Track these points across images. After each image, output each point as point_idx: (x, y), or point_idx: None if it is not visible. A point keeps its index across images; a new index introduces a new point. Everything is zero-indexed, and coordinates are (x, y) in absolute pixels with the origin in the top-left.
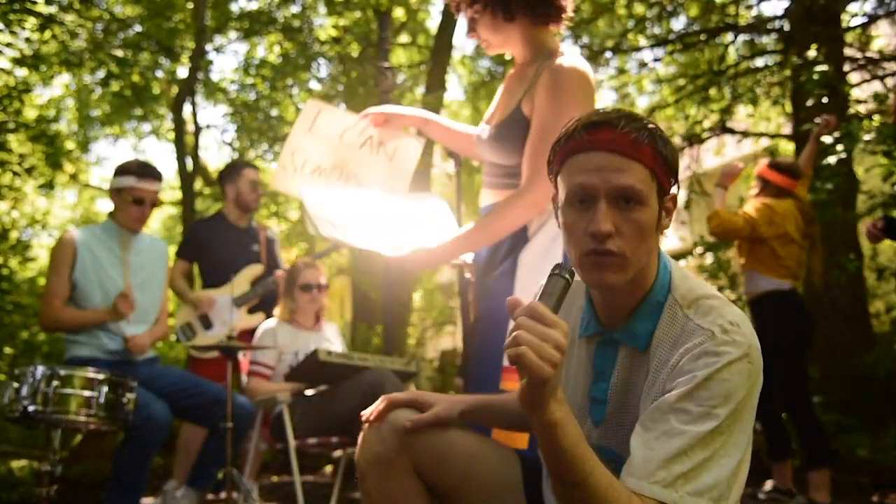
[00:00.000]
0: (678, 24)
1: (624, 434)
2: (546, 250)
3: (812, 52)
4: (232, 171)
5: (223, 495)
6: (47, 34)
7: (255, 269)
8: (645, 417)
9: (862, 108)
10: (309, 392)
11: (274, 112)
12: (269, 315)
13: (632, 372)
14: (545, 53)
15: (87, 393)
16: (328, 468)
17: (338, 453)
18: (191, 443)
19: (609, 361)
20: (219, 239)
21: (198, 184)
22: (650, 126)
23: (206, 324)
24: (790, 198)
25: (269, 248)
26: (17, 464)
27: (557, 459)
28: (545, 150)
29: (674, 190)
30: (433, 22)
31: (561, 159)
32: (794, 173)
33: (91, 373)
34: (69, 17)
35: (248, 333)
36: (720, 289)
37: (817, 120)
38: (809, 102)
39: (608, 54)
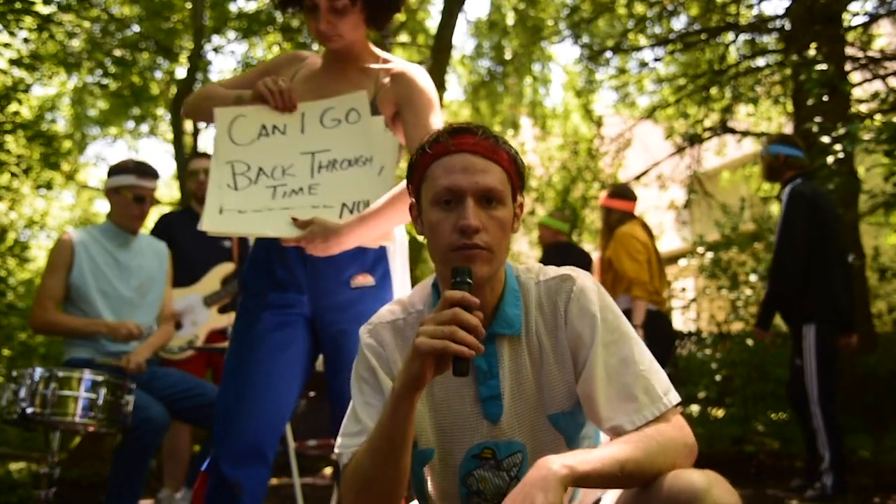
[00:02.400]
0: (679, 23)
1: (519, 424)
2: (405, 258)
3: (813, 52)
4: (189, 163)
5: None
6: (45, 34)
7: (225, 268)
8: (599, 374)
9: (863, 108)
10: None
11: None
12: None
13: (516, 360)
14: (379, 57)
15: (85, 394)
16: (327, 470)
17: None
18: (178, 445)
19: (492, 358)
20: (186, 235)
21: None
22: (503, 139)
23: (176, 324)
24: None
25: (242, 244)
26: (15, 466)
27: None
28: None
29: (520, 198)
30: (433, 21)
31: (425, 165)
32: (632, 196)
33: (89, 375)
34: (67, 17)
35: (219, 333)
36: (719, 289)
37: None
38: (810, 102)
39: (608, 54)
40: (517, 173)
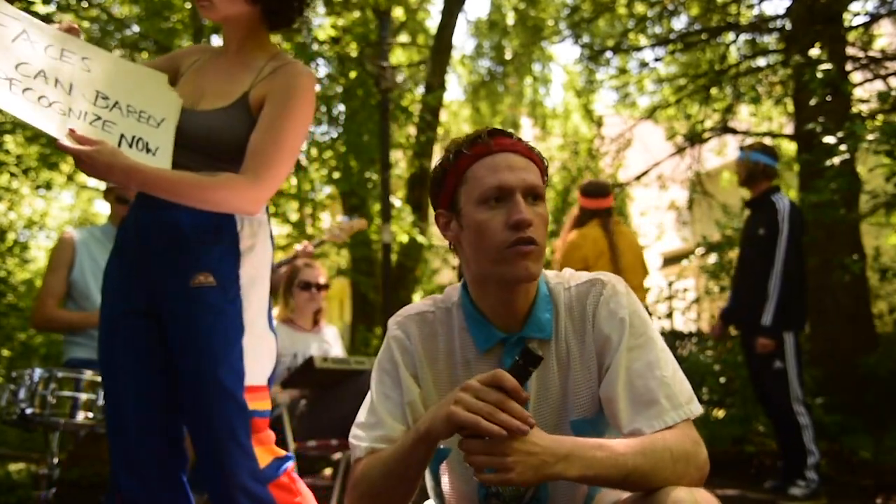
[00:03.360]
0: (679, 23)
1: (548, 427)
2: (263, 265)
3: (814, 52)
4: None
5: None
6: None
7: None
8: (621, 378)
9: (865, 108)
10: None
11: None
12: None
13: (544, 364)
14: (272, 51)
15: (85, 395)
16: (327, 471)
17: (337, 456)
18: None
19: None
20: None
21: None
22: (526, 143)
23: None
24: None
25: None
26: (14, 467)
27: (622, 470)
28: (278, 150)
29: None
30: (433, 21)
31: (463, 167)
32: (595, 193)
33: (89, 375)
34: (66, 17)
35: None
36: (722, 289)
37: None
38: (812, 102)
39: (609, 54)
40: (545, 175)
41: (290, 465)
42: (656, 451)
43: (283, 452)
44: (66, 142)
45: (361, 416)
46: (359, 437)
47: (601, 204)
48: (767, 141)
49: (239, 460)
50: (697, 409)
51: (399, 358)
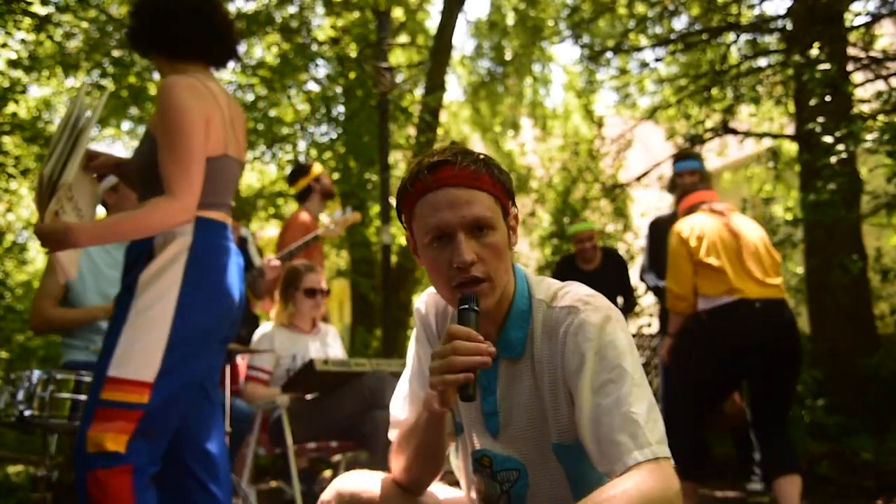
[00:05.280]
0: (679, 23)
1: (517, 444)
2: (163, 269)
3: (815, 52)
4: None
5: None
6: (43, 35)
7: None
8: (585, 415)
9: (865, 108)
10: (308, 396)
11: (272, 113)
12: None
13: (513, 382)
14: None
15: (83, 397)
16: (327, 472)
17: (336, 457)
18: None
19: (492, 375)
20: None
21: None
22: (482, 157)
23: None
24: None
25: (242, 248)
26: (13, 469)
27: None
28: (175, 162)
29: (513, 210)
30: (432, 22)
31: (411, 204)
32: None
33: (88, 377)
34: (65, 18)
35: None
36: None
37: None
38: (812, 102)
39: (609, 54)
40: (504, 191)
41: (122, 466)
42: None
43: (122, 450)
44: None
45: (397, 387)
46: (393, 408)
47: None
48: (769, 142)
49: (77, 441)
50: (665, 453)
51: (420, 330)
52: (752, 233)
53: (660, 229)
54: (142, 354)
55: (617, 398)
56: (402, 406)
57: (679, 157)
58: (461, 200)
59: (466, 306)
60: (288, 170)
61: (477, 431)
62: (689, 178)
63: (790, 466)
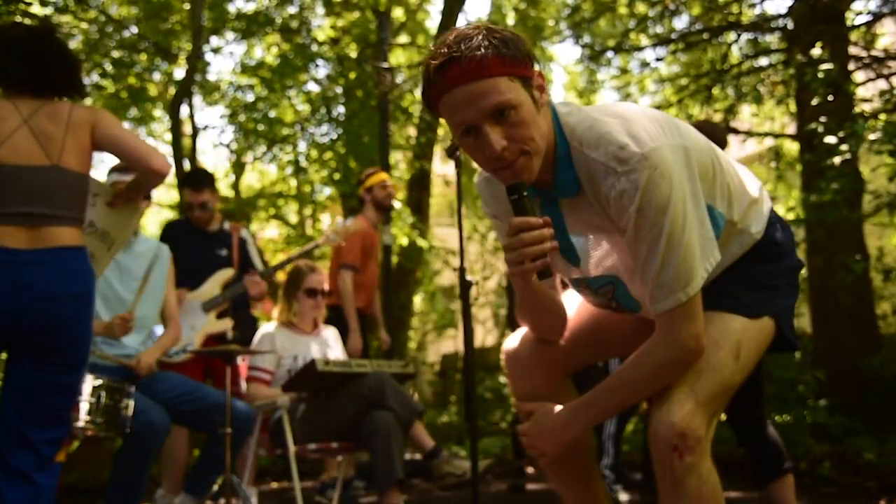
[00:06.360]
0: (680, 23)
1: (601, 265)
2: None
3: (816, 51)
4: (179, 185)
5: (222, 502)
6: None
7: (225, 273)
8: (634, 261)
9: (867, 107)
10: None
11: (272, 113)
12: (237, 320)
13: (577, 218)
14: None
15: (83, 399)
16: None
17: (338, 459)
18: (175, 450)
19: (556, 215)
20: (188, 243)
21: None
22: (486, 37)
23: None
24: None
25: (242, 250)
26: None
27: (609, 408)
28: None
29: (535, 71)
30: (433, 22)
31: (435, 104)
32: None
33: (88, 379)
34: (65, 19)
35: (215, 339)
36: None
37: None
38: (814, 101)
39: (610, 54)
40: (516, 63)
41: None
42: (637, 377)
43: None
44: None
45: None
46: None
47: None
48: (770, 141)
49: None
50: (693, 290)
51: (489, 212)
52: None
53: None
54: None
55: (655, 252)
56: None
57: None
58: (475, 94)
59: (516, 196)
60: (288, 170)
61: (562, 267)
62: None
63: (777, 468)
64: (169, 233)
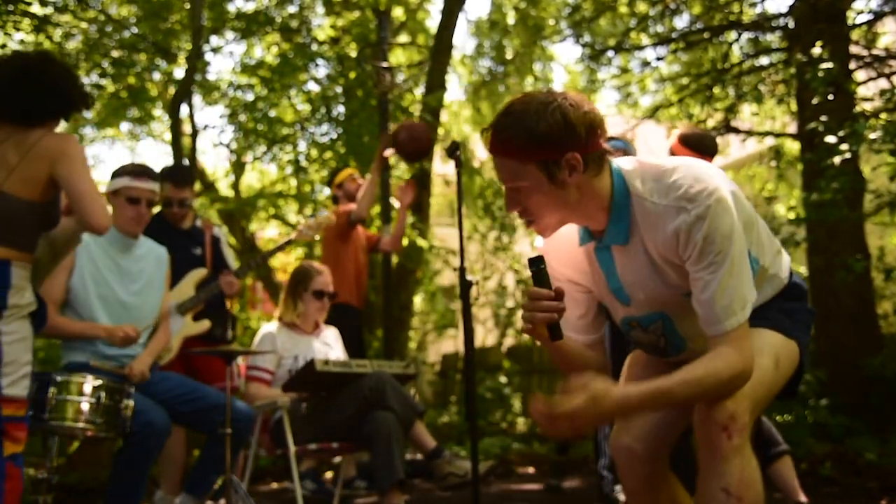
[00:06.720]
0: (681, 22)
1: (649, 303)
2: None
3: (817, 50)
4: (167, 178)
5: (222, 502)
6: (42, 36)
7: (198, 273)
8: (694, 289)
9: (868, 106)
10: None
11: (272, 113)
12: (215, 322)
13: (628, 261)
14: None
15: (84, 399)
16: (328, 474)
17: (337, 459)
18: (173, 450)
19: (608, 260)
20: (160, 242)
21: (195, 186)
22: (515, 122)
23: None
24: None
25: (215, 249)
26: None
27: (663, 402)
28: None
29: (563, 155)
30: (433, 21)
31: None
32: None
33: (88, 379)
34: (64, 19)
35: (195, 341)
36: None
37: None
38: (815, 101)
39: (610, 53)
40: (539, 148)
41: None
42: (706, 381)
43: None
44: None
45: None
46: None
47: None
48: (771, 140)
49: None
50: (747, 314)
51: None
52: None
53: None
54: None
55: (717, 277)
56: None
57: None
58: (497, 166)
59: (534, 268)
60: (288, 170)
61: (613, 306)
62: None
63: (772, 450)
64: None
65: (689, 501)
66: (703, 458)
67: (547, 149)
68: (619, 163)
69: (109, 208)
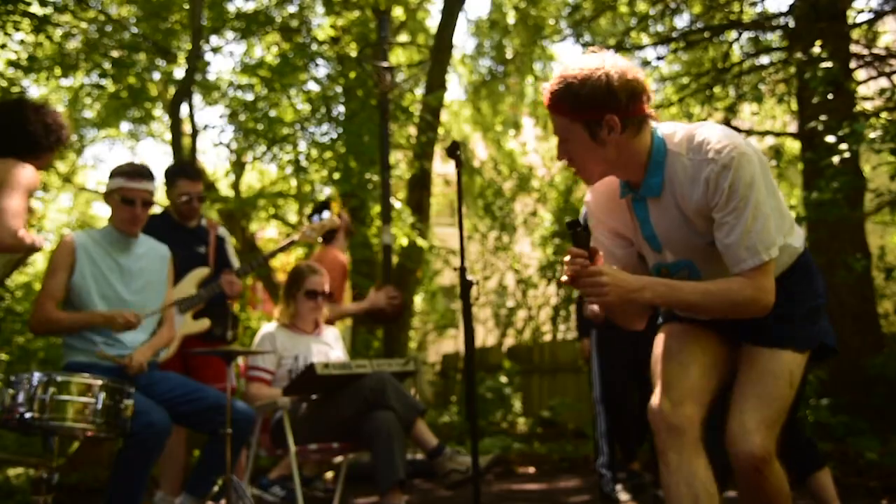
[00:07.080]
0: (681, 21)
1: (679, 251)
2: None
3: (817, 49)
4: (169, 177)
5: (223, 502)
6: (42, 36)
7: (201, 272)
8: (720, 233)
9: (868, 106)
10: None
11: (272, 113)
12: (215, 321)
13: (661, 212)
14: None
15: (84, 399)
16: (329, 474)
17: (338, 459)
18: (174, 450)
19: (643, 211)
20: (163, 240)
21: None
22: (568, 83)
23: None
24: None
25: (220, 248)
26: (13, 471)
27: (675, 298)
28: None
29: (605, 117)
30: (433, 21)
31: None
32: None
33: (88, 379)
34: (64, 19)
35: (194, 340)
36: None
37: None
38: (815, 100)
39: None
40: (580, 108)
41: None
42: (715, 295)
43: None
44: None
45: None
46: None
47: None
48: (771, 140)
49: None
50: (772, 254)
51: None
52: None
53: None
54: None
55: (741, 221)
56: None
57: None
58: (551, 119)
59: (572, 230)
60: (288, 170)
61: (647, 252)
62: None
63: (817, 459)
64: (149, 227)
65: (714, 484)
66: (741, 486)
67: (589, 111)
68: (660, 126)
69: (108, 208)
